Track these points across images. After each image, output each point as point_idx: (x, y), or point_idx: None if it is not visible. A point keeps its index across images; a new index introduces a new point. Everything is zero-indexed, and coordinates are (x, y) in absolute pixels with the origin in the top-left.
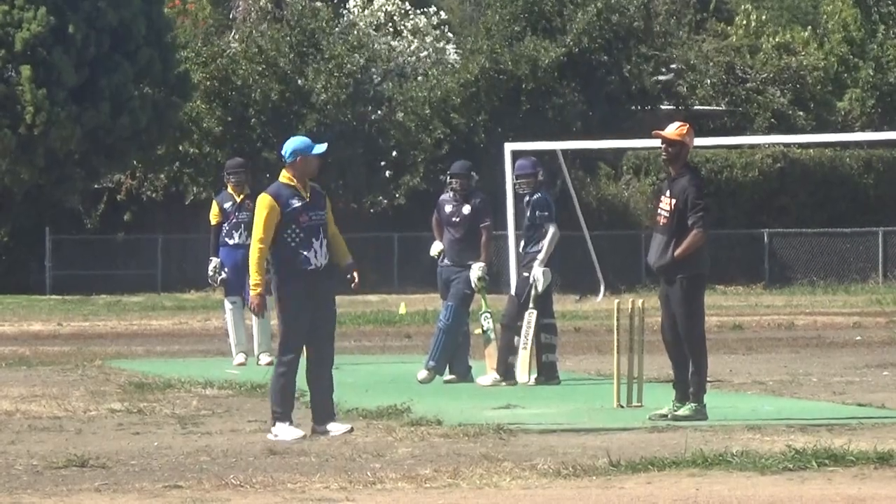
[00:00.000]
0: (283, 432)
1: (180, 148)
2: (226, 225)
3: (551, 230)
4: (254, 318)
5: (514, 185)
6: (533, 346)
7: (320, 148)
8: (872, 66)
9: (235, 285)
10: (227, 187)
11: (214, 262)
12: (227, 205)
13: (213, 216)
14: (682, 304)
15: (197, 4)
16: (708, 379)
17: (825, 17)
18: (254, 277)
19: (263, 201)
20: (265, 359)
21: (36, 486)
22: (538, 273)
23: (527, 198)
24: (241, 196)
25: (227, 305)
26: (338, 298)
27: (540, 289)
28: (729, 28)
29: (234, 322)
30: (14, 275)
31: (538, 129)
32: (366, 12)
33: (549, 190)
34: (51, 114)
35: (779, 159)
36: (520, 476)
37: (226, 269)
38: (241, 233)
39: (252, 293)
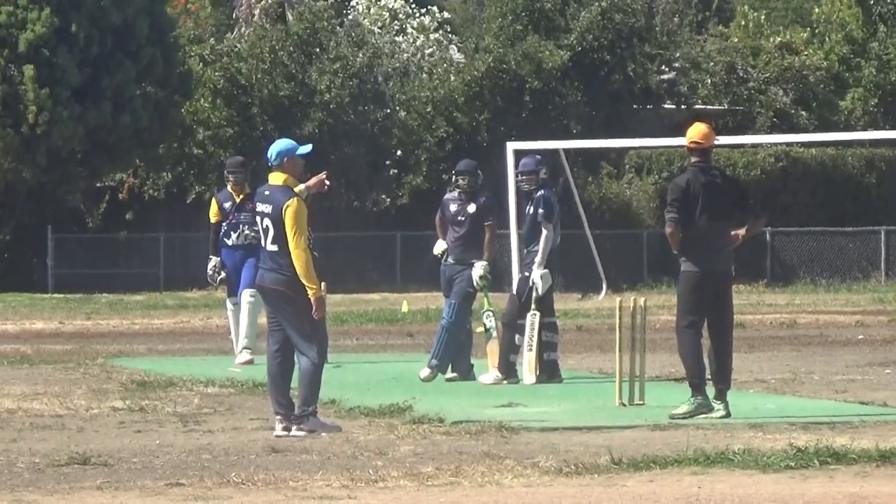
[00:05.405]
0: (321, 425)
1: (185, 149)
2: (224, 224)
3: (545, 232)
4: (243, 315)
5: (517, 182)
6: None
7: (305, 149)
8: (874, 66)
9: (236, 285)
10: (227, 186)
11: (214, 261)
12: (227, 204)
13: (213, 214)
14: (677, 296)
15: (199, 4)
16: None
17: (822, 17)
18: (314, 282)
19: (301, 205)
20: (245, 356)
21: (38, 484)
22: (536, 276)
23: (532, 195)
24: (241, 196)
25: (229, 306)
26: (340, 297)
27: (540, 292)
28: (726, 30)
29: (236, 322)
30: (16, 273)
31: (541, 128)
32: (371, 10)
33: (551, 188)
34: (53, 113)
35: (781, 158)
36: (522, 474)
37: (226, 269)
38: (239, 233)
39: (313, 297)
